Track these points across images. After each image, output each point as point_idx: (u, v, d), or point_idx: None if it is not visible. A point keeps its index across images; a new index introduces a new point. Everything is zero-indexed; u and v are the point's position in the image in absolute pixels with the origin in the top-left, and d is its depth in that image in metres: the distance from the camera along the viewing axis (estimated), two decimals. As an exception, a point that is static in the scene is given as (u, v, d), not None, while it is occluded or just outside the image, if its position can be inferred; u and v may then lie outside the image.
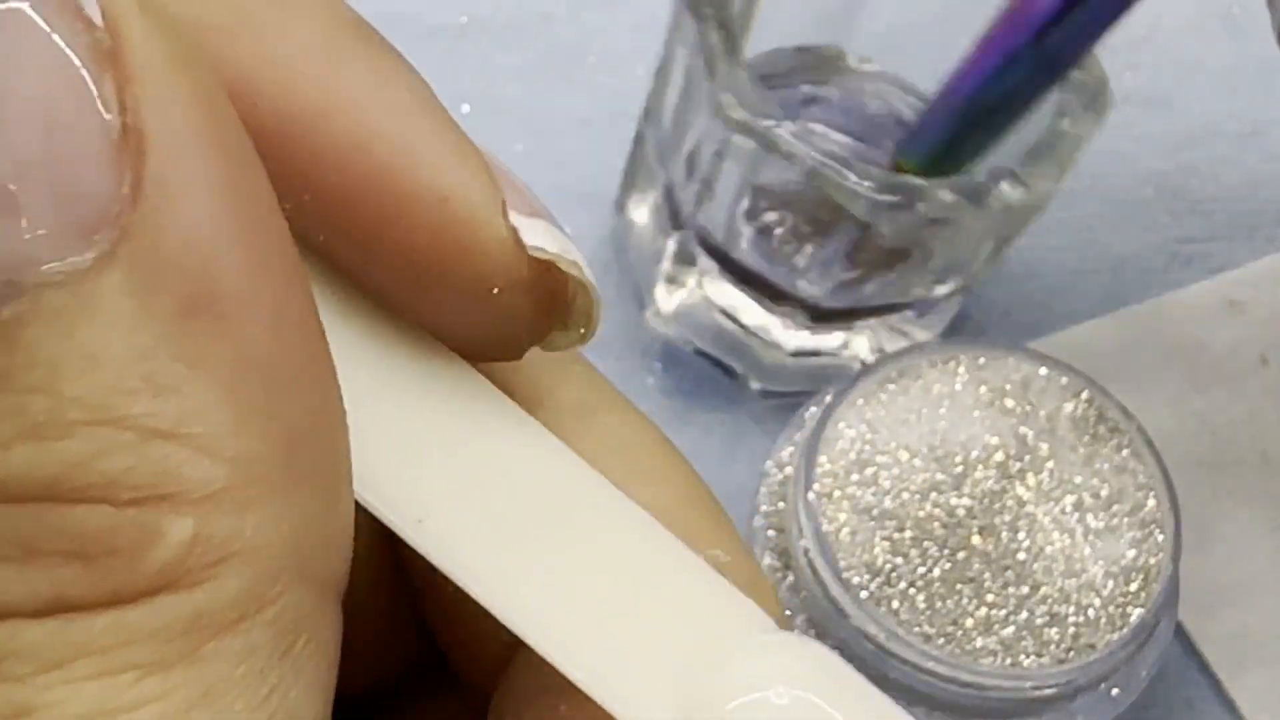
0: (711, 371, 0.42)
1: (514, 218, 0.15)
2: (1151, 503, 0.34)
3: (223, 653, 0.12)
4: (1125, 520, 0.34)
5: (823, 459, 0.34)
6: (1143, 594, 0.33)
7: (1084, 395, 0.35)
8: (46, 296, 0.12)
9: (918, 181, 0.34)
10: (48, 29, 0.12)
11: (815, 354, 0.40)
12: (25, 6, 0.12)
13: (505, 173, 0.15)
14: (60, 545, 0.12)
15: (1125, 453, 0.35)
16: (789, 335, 0.39)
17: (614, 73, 0.45)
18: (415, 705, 0.19)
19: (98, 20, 0.12)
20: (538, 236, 0.15)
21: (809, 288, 0.38)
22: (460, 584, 0.15)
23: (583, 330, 0.16)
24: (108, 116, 0.12)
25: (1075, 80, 0.35)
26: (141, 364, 0.12)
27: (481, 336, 0.16)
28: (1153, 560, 0.34)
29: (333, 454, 0.14)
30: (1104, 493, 0.34)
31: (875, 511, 0.34)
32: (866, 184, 0.33)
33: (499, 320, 0.15)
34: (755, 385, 0.41)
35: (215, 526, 0.12)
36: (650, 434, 0.18)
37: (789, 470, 0.35)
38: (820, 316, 0.39)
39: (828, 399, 0.35)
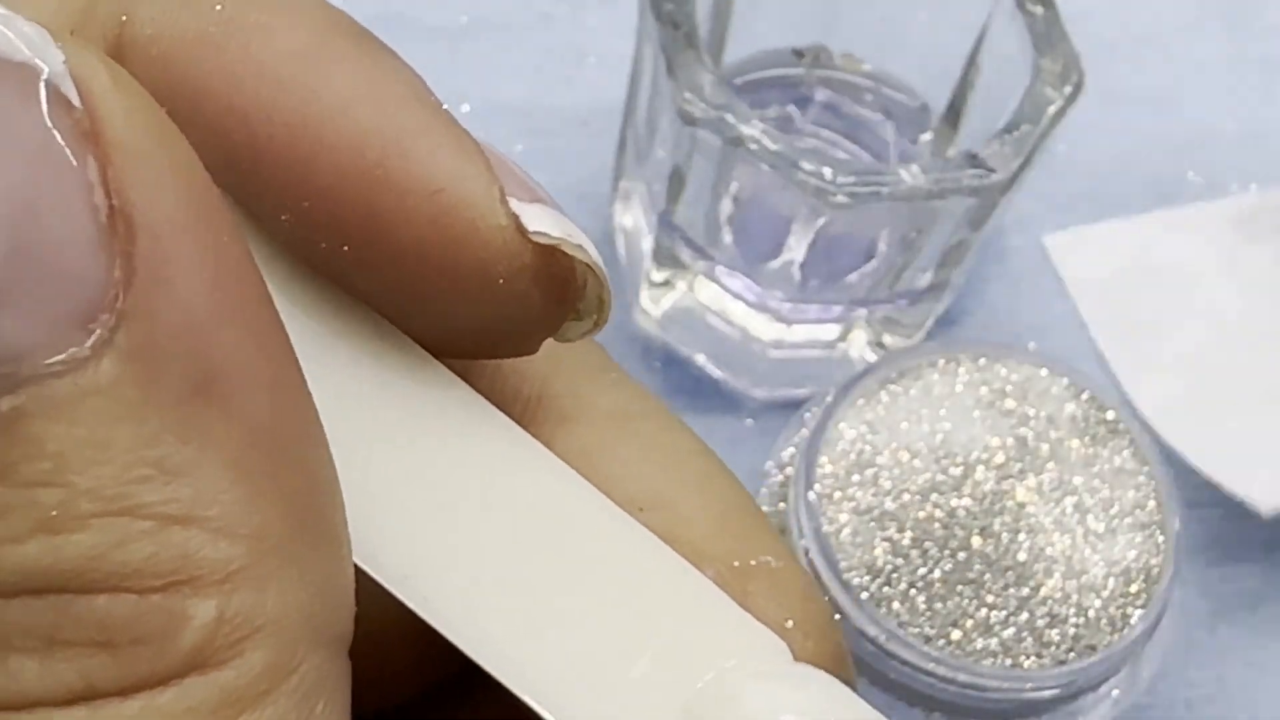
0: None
1: (514, 204, 0.15)
2: (1152, 504, 0.34)
3: None
4: (1126, 521, 0.34)
5: (823, 460, 0.34)
6: (1143, 595, 0.33)
7: (1084, 396, 0.35)
8: (47, 388, 0.12)
9: (881, 169, 0.34)
10: (30, 113, 0.12)
11: (810, 350, 0.40)
12: (3, 89, 0.12)
13: (503, 161, 0.15)
14: (85, 635, 0.12)
15: (1126, 454, 0.35)
16: (782, 331, 0.39)
17: (614, 73, 0.44)
18: (457, 713, 0.19)
19: (76, 101, 0.12)
20: (539, 221, 0.15)
21: (789, 287, 0.38)
22: (445, 635, 0.15)
23: (595, 318, 0.16)
24: (95, 200, 0.12)
25: (1045, 63, 0.35)
26: (150, 450, 0.12)
27: (492, 331, 0.16)
28: (1153, 561, 0.34)
29: (333, 514, 0.14)
30: (1104, 494, 0.34)
31: (876, 512, 0.34)
32: (827, 171, 0.33)
33: (508, 312, 0.15)
34: (752, 391, 0.41)
35: (238, 605, 0.12)
36: (691, 441, 0.18)
37: (789, 471, 0.35)
38: (808, 312, 0.39)
39: (828, 400, 0.35)
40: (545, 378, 0.17)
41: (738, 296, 0.39)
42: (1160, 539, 0.34)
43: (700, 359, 0.41)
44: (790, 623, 0.16)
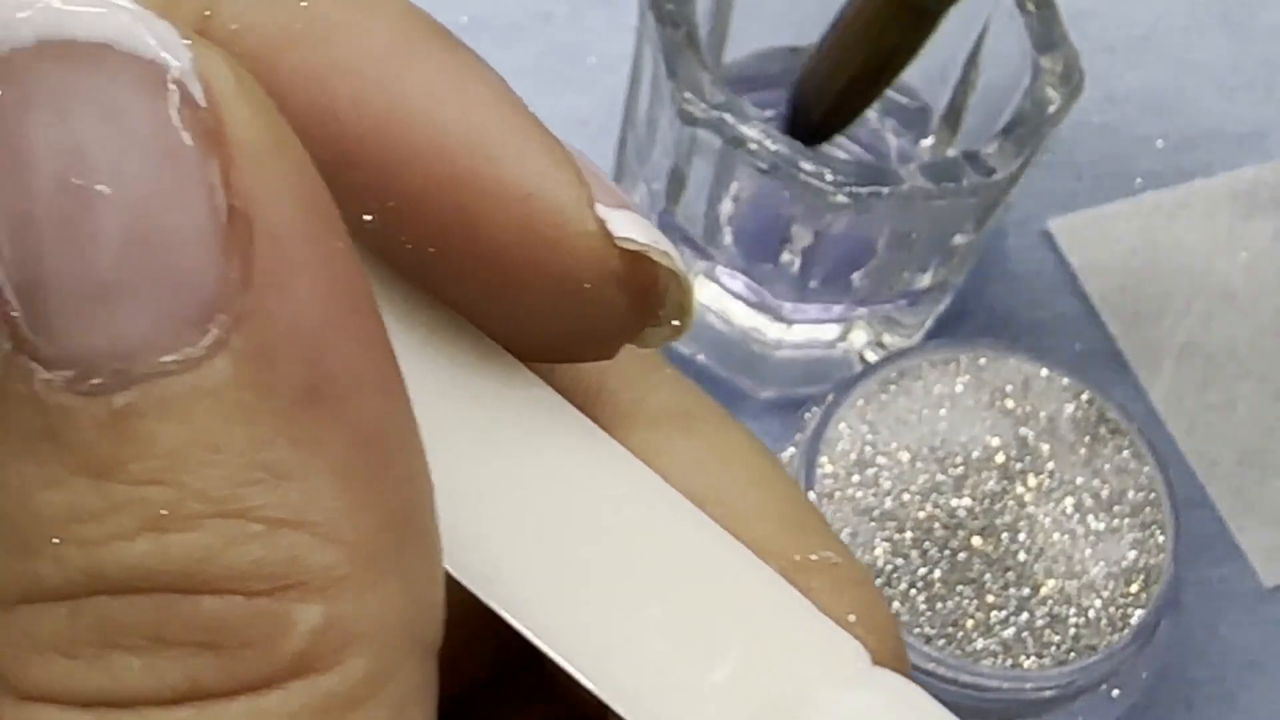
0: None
1: (601, 210, 0.15)
2: (1152, 504, 0.34)
3: None
4: (1126, 521, 0.34)
5: (823, 460, 0.34)
6: (1143, 595, 0.33)
7: (1084, 396, 0.35)
8: (160, 386, 0.12)
9: (883, 169, 0.34)
10: (157, 109, 0.12)
11: (810, 350, 0.40)
12: (132, 84, 0.12)
13: (589, 166, 0.15)
14: (191, 636, 0.12)
15: (1126, 453, 0.35)
16: (782, 331, 0.39)
17: (614, 73, 0.44)
18: (505, 713, 0.19)
19: (201, 100, 0.12)
20: (627, 227, 0.15)
21: (789, 287, 0.38)
22: (528, 636, 0.15)
23: (676, 323, 0.16)
24: (216, 201, 0.12)
25: (1045, 62, 0.35)
26: (262, 453, 0.12)
27: (574, 335, 0.16)
28: (1153, 561, 0.34)
29: (430, 522, 0.14)
30: (1104, 494, 0.34)
31: (876, 512, 0.34)
32: (827, 172, 0.33)
33: (592, 317, 0.15)
34: (753, 392, 0.41)
35: (342, 611, 0.12)
36: (747, 438, 0.18)
37: (789, 471, 0.35)
38: (808, 312, 0.39)
39: (828, 400, 0.35)
40: (601, 374, 0.17)
41: (738, 296, 0.39)
42: (1160, 539, 0.34)
43: (701, 359, 0.41)
44: (852, 617, 0.16)
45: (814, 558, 0.16)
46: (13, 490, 0.12)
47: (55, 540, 0.12)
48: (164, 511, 0.12)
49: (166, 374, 0.12)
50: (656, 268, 0.15)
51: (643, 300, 0.15)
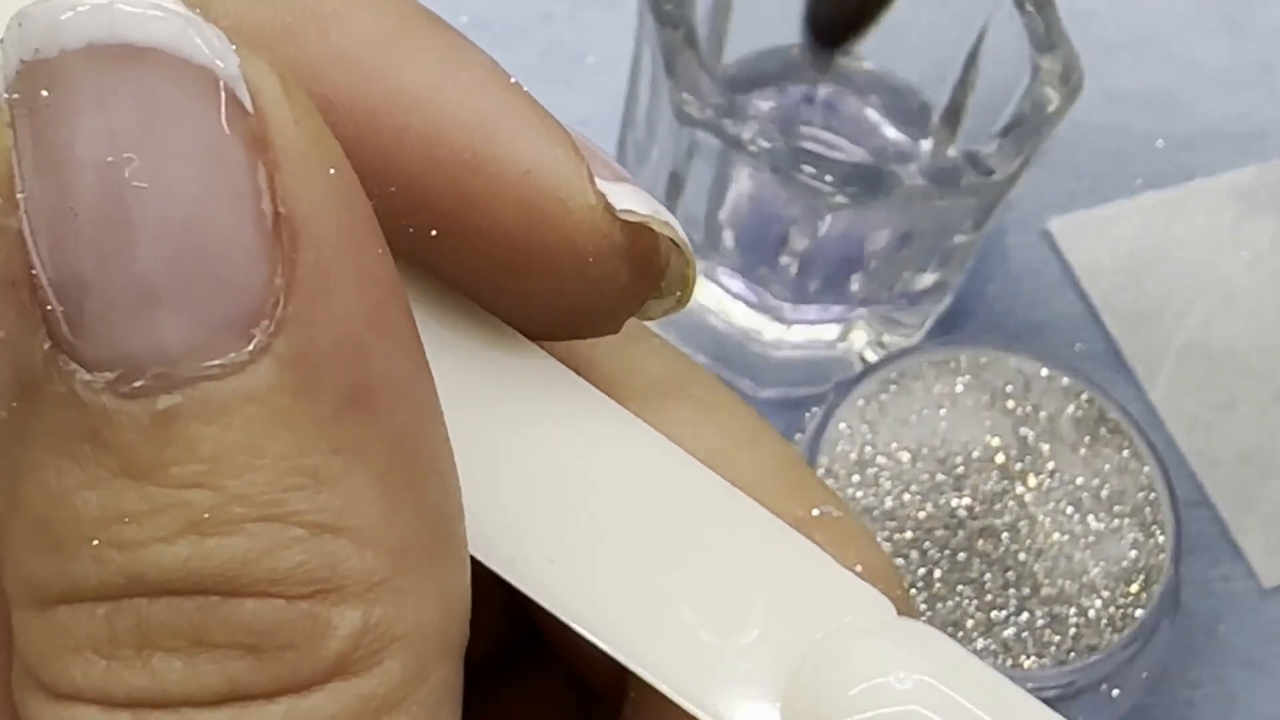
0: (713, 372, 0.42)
1: (601, 184, 0.15)
2: (1152, 504, 0.34)
3: None
4: (1126, 521, 0.34)
5: (823, 460, 0.34)
6: (1143, 595, 0.33)
7: (1085, 396, 0.35)
8: (204, 390, 0.12)
9: (881, 170, 0.34)
10: (208, 116, 0.12)
11: (810, 350, 0.40)
12: (183, 89, 0.12)
13: (586, 143, 0.15)
14: (231, 638, 0.12)
15: (1126, 453, 0.35)
16: (781, 331, 0.39)
17: (614, 73, 0.44)
18: (507, 687, 0.19)
19: (249, 106, 0.12)
20: (627, 200, 0.15)
21: (789, 288, 0.38)
22: (556, 614, 0.15)
23: (678, 294, 0.16)
24: (262, 207, 0.12)
25: (1044, 62, 0.35)
26: (303, 458, 0.12)
27: (579, 311, 0.16)
28: (1153, 561, 0.34)
29: (459, 525, 0.14)
30: (1105, 493, 0.34)
31: (876, 512, 0.34)
32: (828, 178, 0.33)
33: (596, 291, 0.15)
34: (752, 392, 0.41)
35: (379, 615, 0.13)
36: (736, 401, 0.18)
37: (789, 471, 0.35)
38: (807, 313, 0.39)
39: (828, 400, 0.35)
40: (590, 346, 0.17)
41: (737, 297, 0.39)
42: (1160, 539, 0.34)
43: (700, 359, 0.42)
44: (860, 568, 0.16)
45: (816, 513, 0.17)
46: (51, 491, 0.12)
47: (94, 541, 0.12)
48: (206, 515, 0.12)
49: (210, 378, 0.12)
50: (657, 238, 0.15)
51: (645, 271, 0.15)
